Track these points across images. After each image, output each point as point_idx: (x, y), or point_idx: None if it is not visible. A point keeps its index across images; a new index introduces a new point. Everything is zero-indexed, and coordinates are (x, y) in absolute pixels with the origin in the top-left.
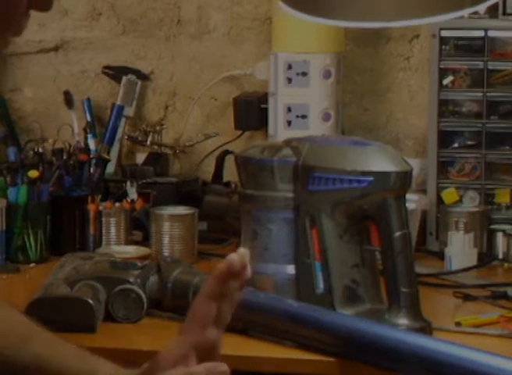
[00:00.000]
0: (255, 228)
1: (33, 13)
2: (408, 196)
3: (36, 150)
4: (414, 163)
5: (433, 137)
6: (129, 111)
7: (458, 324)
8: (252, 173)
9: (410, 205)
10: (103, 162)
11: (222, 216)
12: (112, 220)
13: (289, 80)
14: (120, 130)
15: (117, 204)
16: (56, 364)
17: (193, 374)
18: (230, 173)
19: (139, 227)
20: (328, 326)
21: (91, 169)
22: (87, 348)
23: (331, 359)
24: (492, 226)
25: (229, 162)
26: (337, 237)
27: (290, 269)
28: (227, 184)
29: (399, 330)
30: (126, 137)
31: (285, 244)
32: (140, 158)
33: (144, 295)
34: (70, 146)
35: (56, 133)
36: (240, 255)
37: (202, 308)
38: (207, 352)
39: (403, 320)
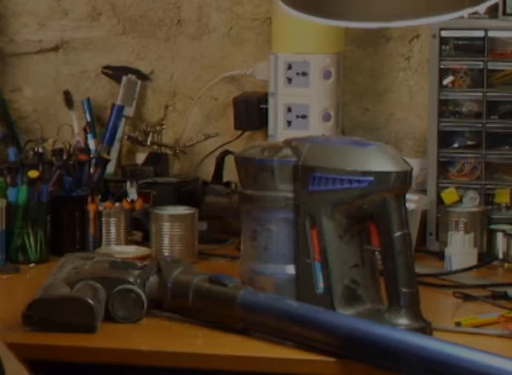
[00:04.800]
0: (255, 228)
1: (33, 13)
2: (408, 196)
3: (36, 150)
4: (414, 163)
5: (433, 137)
6: (129, 111)
7: (458, 324)
8: (252, 173)
9: (410, 205)
10: (103, 162)
11: (222, 216)
12: (112, 220)
13: (289, 80)
14: (120, 130)
15: (117, 204)
16: None
17: None
18: (230, 173)
19: (139, 227)
20: (328, 326)
21: (91, 169)
22: (87, 349)
23: (331, 359)
24: (492, 226)
25: (229, 162)
26: (337, 237)
27: (290, 269)
28: (227, 184)
29: (399, 330)
30: (126, 137)
31: (285, 244)
32: (140, 158)
33: (143, 295)
34: (70, 146)
35: (56, 133)
36: None
37: None
38: None
39: (403, 320)
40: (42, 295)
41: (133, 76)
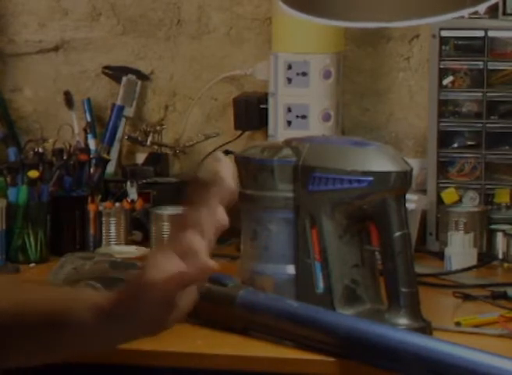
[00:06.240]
0: (255, 228)
1: (33, 13)
2: (408, 196)
3: (36, 150)
4: (414, 163)
5: (433, 137)
6: (129, 111)
7: (458, 324)
8: (252, 173)
9: (410, 205)
10: (103, 162)
11: None
12: (112, 220)
13: (289, 80)
14: (120, 130)
15: (117, 204)
16: (37, 299)
17: (183, 271)
18: None
19: (139, 227)
20: (328, 326)
21: (91, 169)
22: None
23: (331, 359)
24: (492, 226)
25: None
26: (337, 237)
27: (290, 269)
28: None
29: (399, 330)
30: (126, 137)
31: (285, 244)
32: (140, 158)
33: None
34: (70, 146)
35: (56, 133)
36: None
37: (191, 215)
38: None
39: (403, 320)
40: None
41: (133, 76)
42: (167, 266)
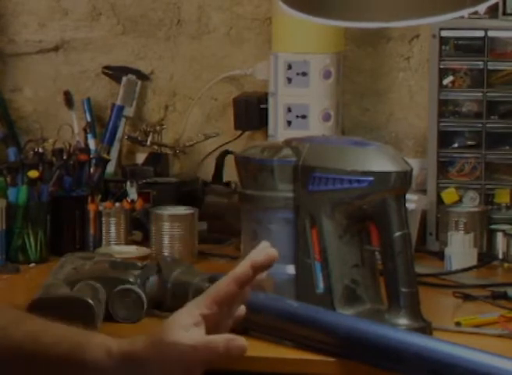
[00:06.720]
0: (255, 228)
1: (33, 13)
2: (408, 196)
3: (36, 150)
4: (414, 163)
5: (433, 137)
6: (129, 111)
7: (458, 324)
8: (252, 173)
9: (410, 205)
10: (103, 162)
11: (222, 216)
12: (112, 220)
13: (289, 80)
14: (120, 130)
15: (117, 204)
16: (51, 337)
17: (213, 343)
18: (230, 173)
19: (139, 227)
20: (328, 326)
21: (91, 169)
22: None
23: (331, 359)
24: (492, 226)
25: (229, 162)
26: (337, 237)
27: (290, 269)
28: (227, 184)
29: (399, 330)
30: (126, 137)
31: (285, 244)
32: (140, 158)
33: (143, 295)
34: (70, 146)
35: (56, 133)
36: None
37: (226, 288)
38: (209, 330)
39: (403, 320)
40: (42, 295)
41: (133, 76)
42: (197, 333)
